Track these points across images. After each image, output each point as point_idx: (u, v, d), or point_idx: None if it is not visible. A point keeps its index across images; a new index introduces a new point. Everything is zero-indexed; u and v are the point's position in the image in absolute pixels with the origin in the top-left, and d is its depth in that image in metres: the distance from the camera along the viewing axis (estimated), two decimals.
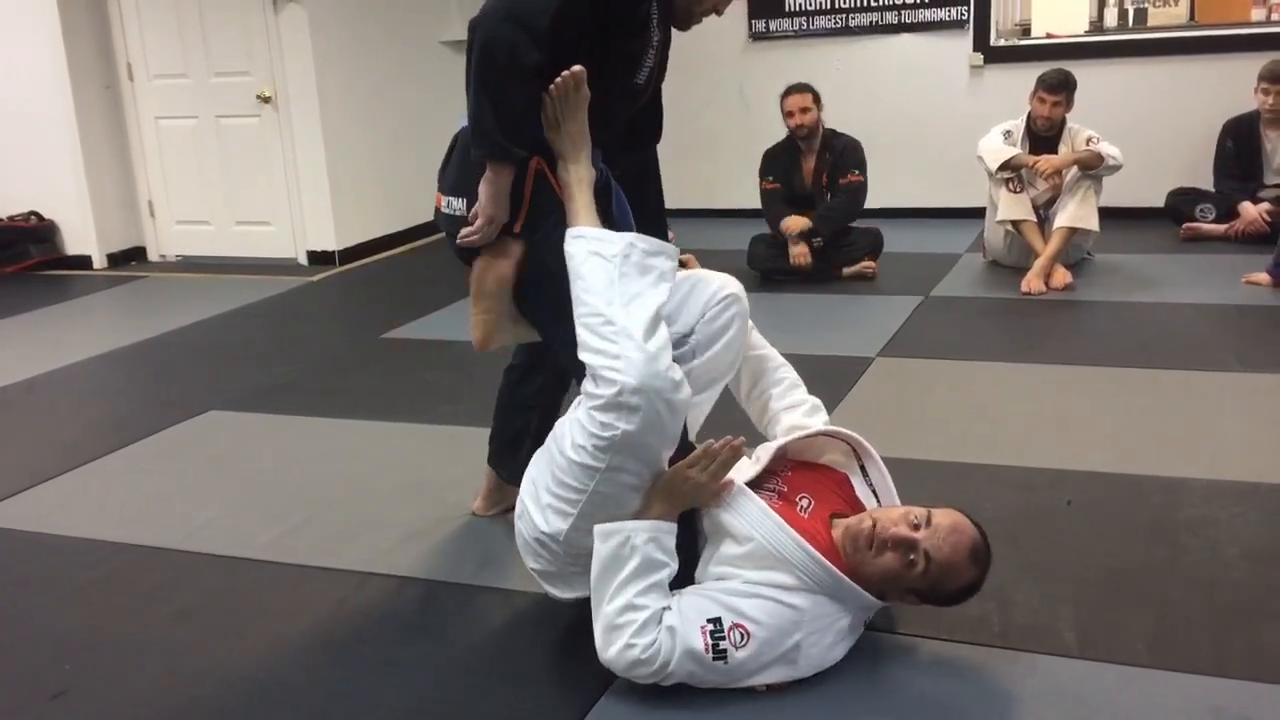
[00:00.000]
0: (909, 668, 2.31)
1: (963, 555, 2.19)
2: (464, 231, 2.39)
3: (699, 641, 2.12)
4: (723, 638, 2.12)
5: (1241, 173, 6.18)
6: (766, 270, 5.66)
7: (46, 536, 3.20)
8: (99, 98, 6.97)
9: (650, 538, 2.19)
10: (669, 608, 2.16)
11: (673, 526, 2.23)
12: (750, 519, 2.25)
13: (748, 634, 2.14)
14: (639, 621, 2.14)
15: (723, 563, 2.25)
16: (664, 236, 2.78)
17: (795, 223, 5.59)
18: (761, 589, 2.18)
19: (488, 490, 3.13)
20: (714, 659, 2.12)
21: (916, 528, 2.19)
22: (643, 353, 2.11)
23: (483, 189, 2.34)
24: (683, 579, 2.26)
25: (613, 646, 2.15)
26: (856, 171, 5.64)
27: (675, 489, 2.23)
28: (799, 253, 5.58)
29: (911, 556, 2.17)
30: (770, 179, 5.79)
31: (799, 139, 5.65)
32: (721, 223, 6.60)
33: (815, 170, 5.70)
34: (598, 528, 2.19)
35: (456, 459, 3.51)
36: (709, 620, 2.14)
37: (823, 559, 2.20)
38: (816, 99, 5.59)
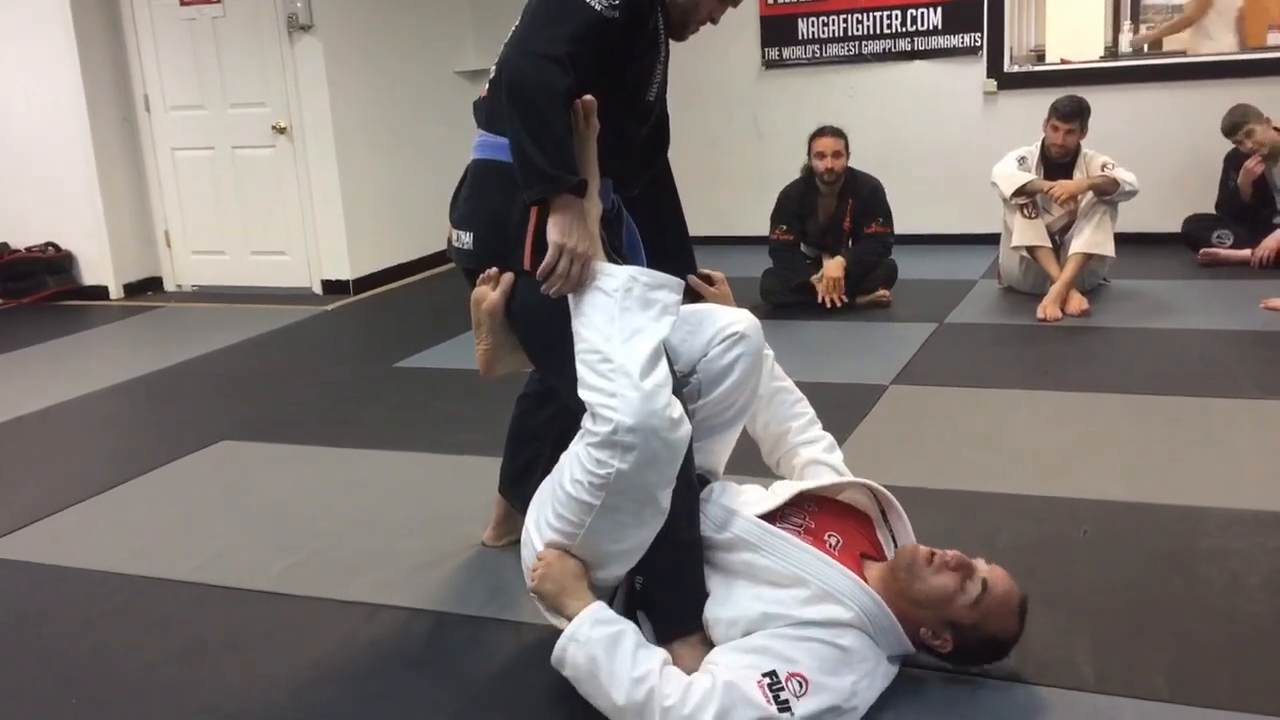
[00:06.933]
0: (922, 702, 2.27)
1: (1015, 601, 2.24)
2: (540, 274, 2.24)
3: (759, 696, 2.06)
4: (782, 688, 2.08)
5: (1251, 208, 6.11)
6: (778, 302, 5.63)
7: (57, 568, 3.19)
8: (116, 129, 7.04)
9: (592, 624, 2.14)
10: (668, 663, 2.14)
11: (598, 605, 2.18)
12: (791, 559, 2.22)
13: (805, 681, 2.10)
14: (653, 681, 2.06)
15: (766, 603, 2.21)
16: (690, 258, 2.78)
17: (834, 269, 5.55)
18: (811, 630, 2.15)
19: (498, 520, 3.11)
20: (780, 711, 2.06)
21: (975, 560, 2.25)
22: (639, 391, 2.08)
23: (552, 225, 2.22)
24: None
25: None
26: (881, 221, 5.62)
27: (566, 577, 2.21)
28: (834, 297, 5.54)
29: (969, 581, 2.19)
30: (783, 227, 5.72)
31: (823, 182, 5.60)
32: (735, 250, 6.57)
33: (834, 212, 5.67)
34: (553, 657, 2.16)
35: (467, 489, 3.49)
36: (764, 674, 2.09)
37: (872, 591, 2.19)
38: (847, 143, 5.55)
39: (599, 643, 2.11)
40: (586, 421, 2.15)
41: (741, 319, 2.42)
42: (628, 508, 2.13)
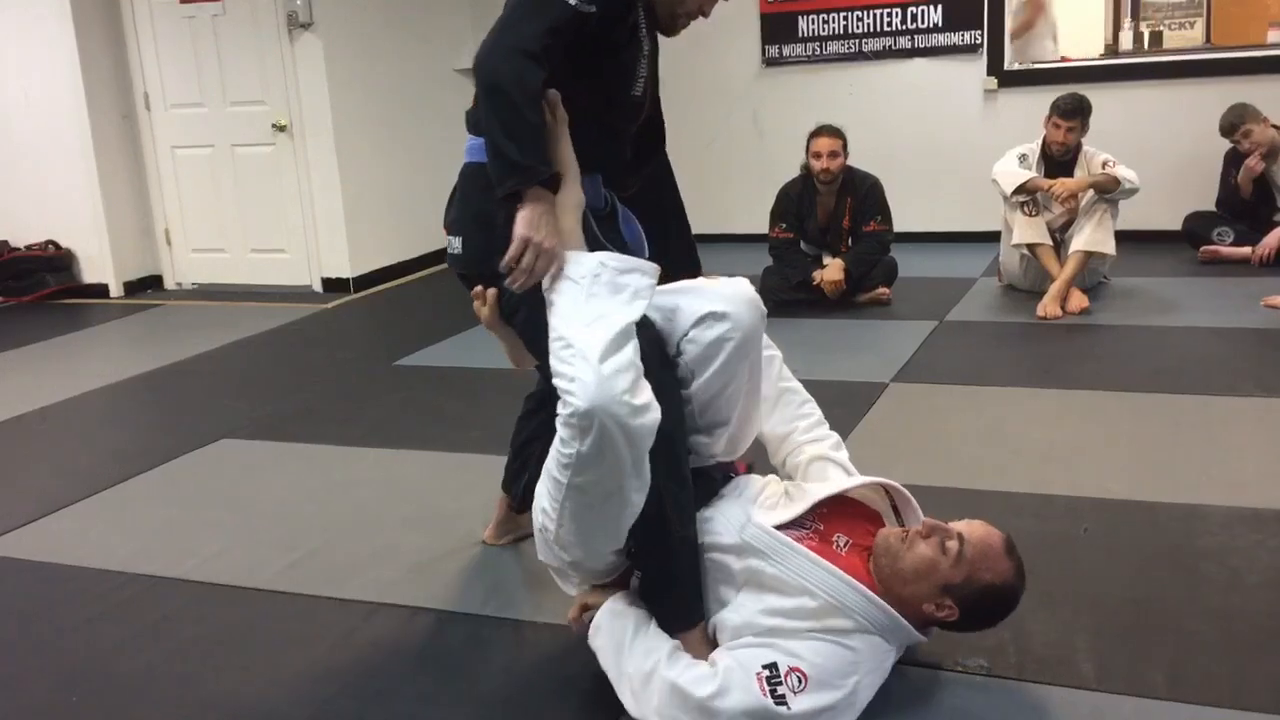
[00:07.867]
0: (923, 700, 2.27)
1: (997, 542, 2.20)
2: (503, 268, 2.24)
3: (756, 689, 2.07)
4: (780, 682, 2.08)
5: (1251, 205, 6.11)
6: (779, 300, 5.62)
7: (57, 567, 3.19)
8: (116, 127, 7.03)
9: (629, 600, 2.32)
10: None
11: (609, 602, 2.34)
12: (798, 569, 2.20)
13: (805, 676, 2.09)
14: (659, 655, 2.19)
15: (774, 615, 2.20)
16: (694, 260, 2.77)
17: (834, 272, 5.57)
18: (818, 634, 2.15)
19: (499, 519, 3.10)
20: (776, 704, 2.06)
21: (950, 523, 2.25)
22: (596, 374, 2.04)
23: (519, 218, 2.21)
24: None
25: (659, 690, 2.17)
26: (879, 219, 5.63)
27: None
28: (833, 289, 5.57)
29: (947, 542, 2.18)
30: (783, 225, 5.73)
31: (821, 182, 5.59)
32: (736, 248, 6.58)
33: (834, 211, 5.67)
34: (590, 627, 2.32)
35: (467, 487, 3.49)
36: (764, 666, 2.10)
37: (877, 598, 2.18)
38: (845, 143, 5.56)
39: (633, 616, 2.28)
40: (558, 405, 2.14)
41: (725, 298, 2.29)
42: (594, 492, 2.13)
